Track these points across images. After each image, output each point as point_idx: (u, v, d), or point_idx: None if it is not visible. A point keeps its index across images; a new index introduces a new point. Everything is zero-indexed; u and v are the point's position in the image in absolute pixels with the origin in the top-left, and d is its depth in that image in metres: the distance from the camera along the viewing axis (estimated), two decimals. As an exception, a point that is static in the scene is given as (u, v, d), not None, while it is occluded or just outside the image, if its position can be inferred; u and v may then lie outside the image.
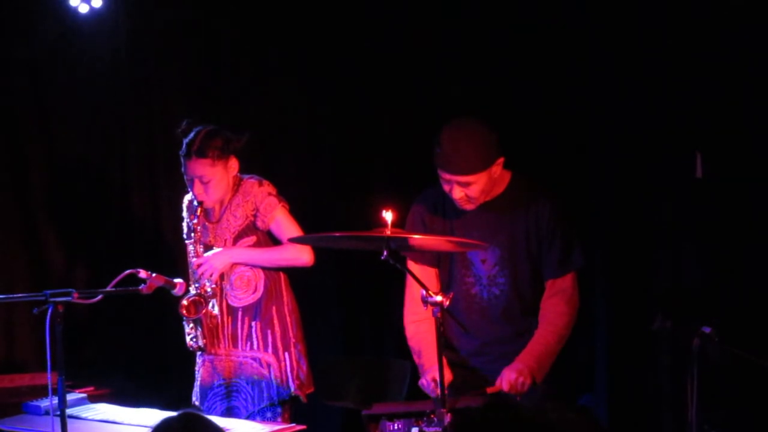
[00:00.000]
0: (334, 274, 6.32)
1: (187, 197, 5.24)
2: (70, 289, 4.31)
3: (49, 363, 4.22)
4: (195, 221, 5.09)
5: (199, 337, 5.11)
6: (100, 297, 4.54)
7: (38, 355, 5.73)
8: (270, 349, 5.12)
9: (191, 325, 5.12)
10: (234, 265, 5.11)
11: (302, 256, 5.11)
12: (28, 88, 6.15)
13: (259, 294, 5.13)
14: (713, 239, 5.31)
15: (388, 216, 4.24)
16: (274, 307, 5.14)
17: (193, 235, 5.13)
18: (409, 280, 4.85)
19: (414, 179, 5.81)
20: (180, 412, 3.36)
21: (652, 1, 5.39)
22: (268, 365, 5.11)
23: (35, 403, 4.85)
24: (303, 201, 6.30)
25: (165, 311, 6.04)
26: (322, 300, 6.13)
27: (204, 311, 5.07)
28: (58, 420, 4.23)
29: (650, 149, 5.49)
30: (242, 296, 5.14)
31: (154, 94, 6.27)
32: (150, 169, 6.26)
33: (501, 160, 4.75)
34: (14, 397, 5.32)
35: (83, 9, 6.00)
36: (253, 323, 5.12)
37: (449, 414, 4.21)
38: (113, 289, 4.64)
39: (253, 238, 5.12)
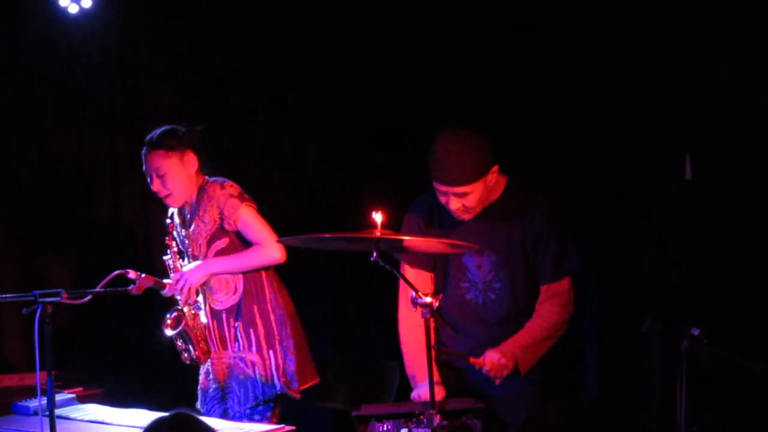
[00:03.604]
0: (324, 275, 6.32)
1: (169, 213, 5.24)
2: (59, 290, 4.30)
3: (38, 363, 4.22)
4: (171, 231, 5.09)
5: (191, 350, 5.11)
6: (89, 297, 4.53)
7: (27, 356, 5.72)
8: (254, 348, 5.10)
9: (179, 340, 5.11)
10: (210, 275, 5.10)
11: (271, 254, 5.06)
12: (18, 88, 6.13)
13: (239, 294, 5.11)
14: (703, 241, 5.32)
15: (377, 217, 4.24)
16: (255, 306, 5.11)
17: (169, 251, 5.12)
18: (403, 282, 4.85)
19: (405, 180, 5.84)
20: (171, 412, 3.36)
21: (644, 6, 5.40)
22: (253, 364, 5.09)
23: (24, 403, 4.84)
24: (294, 201, 6.32)
25: (155, 312, 6.06)
26: (312, 300, 6.11)
27: (184, 323, 5.05)
28: (47, 420, 4.22)
29: (641, 151, 5.50)
30: (223, 299, 5.12)
31: (145, 94, 6.26)
32: (140, 169, 6.24)
33: (495, 167, 4.74)
34: (3, 397, 5.30)
35: (73, 9, 5.99)
36: (236, 324, 5.11)
37: (438, 415, 4.21)
38: (102, 289, 4.63)
39: (225, 240, 5.09)
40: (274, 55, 6.29)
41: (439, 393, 4.68)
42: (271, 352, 5.10)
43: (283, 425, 4.88)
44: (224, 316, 5.12)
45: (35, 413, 4.65)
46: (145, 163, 5.07)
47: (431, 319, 4.23)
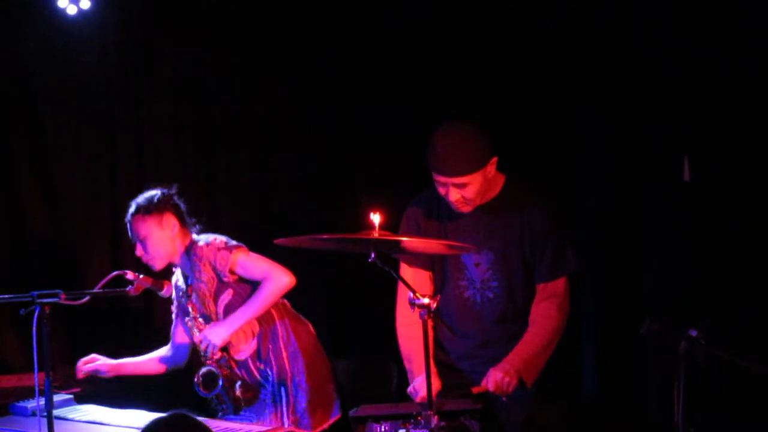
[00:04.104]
0: (321, 276, 6.31)
1: (173, 278, 5.27)
2: (57, 290, 4.31)
3: (36, 364, 4.22)
4: (191, 295, 5.09)
5: (227, 401, 5.08)
6: (87, 298, 4.53)
7: (25, 356, 5.71)
8: (270, 387, 5.10)
9: (215, 400, 5.09)
10: (233, 333, 5.08)
11: (281, 282, 5.05)
12: (16, 88, 6.11)
13: (256, 338, 5.12)
14: (701, 242, 5.32)
15: (375, 218, 4.25)
16: (270, 345, 5.12)
17: (191, 313, 5.15)
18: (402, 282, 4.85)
19: (403, 181, 5.83)
20: (169, 412, 3.36)
21: (643, 6, 5.40)
22: (265, 402, 5.09)
23: (22, 404, 4.86)
24: (292, 202, 6.32)
25: (153, 312, 6.06)
26: (309, 301, 6.11)
27: (222, 383, 5.02)
28: (45, 421, 4.23)
29: (639, 152, 5.50)
30: (244, 347, 5.12)
31: (143, 94, 6.25)
32: (139, 171, 6.24)
33: (494, 159, 4.77)
34: (1, 398, 5.30)
35: (71, 10, 5.98)
36: (260, 365, 5.11)
37: (436, 416, 4.21)
38: (100, 290, 4.64)
39: (229, 293, 5.10)
40: (272, 55, 6.28)
41: (436, 384, 4.69)
42: (282, 389, 5.09)
43: (281, 426, 4.90)
44: (250, 362, 5.15)
45: (33, 414, 4.66)
46: (129, 231, 5.12)
47: (429, 320, 4.24)
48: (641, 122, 5.48)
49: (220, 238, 5.12)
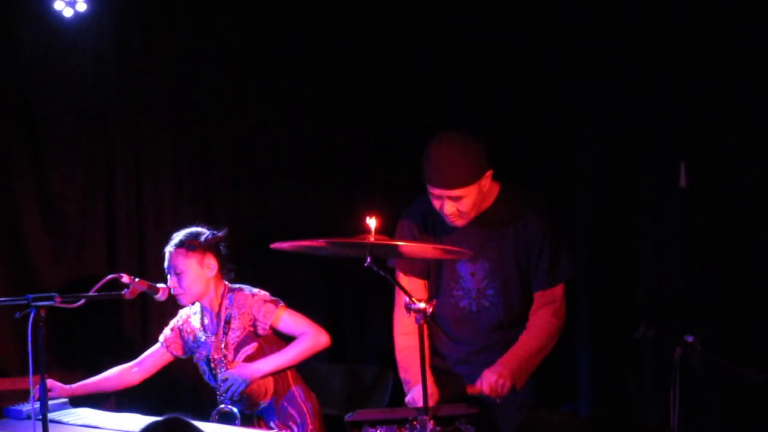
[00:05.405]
0: (317, 280, 6.31)
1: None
2: (52, 293, 4.31)
3: (31, 367, 4.21)
4: (224, 335, 5.09)
5: None
6: (82, 302, 4.53)
7: (20, 359, 5.70)
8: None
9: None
10: (262, 376, 5.06)
11: (320, 340, 5.07)
12: (13, 92, 6.11)
13: (270, 396, 5.10)
14: (697, 248, 5.32)
15: (371, 223, 4.24)
16: (286, 403, 5.11)
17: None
18: (398, 289, 4.84)
19: (399, 185, 5.83)
20: (165, 416, 3.36)
21: (640, 11, 5.40)
22: None
23: (17, 407, 4.85)
24: (288, 206, 6.31)
25: (149, 315, 6.05)
26: (305, 306, 6.12)
27: (237, 423, 4.98)
28: (39, 424, 4.22)
29: (635, 157, 5.51)
30: (255, 404, 5.13)
31: (140, 98, 6.24)
32: (136, 174, 6.23)
33: (490, 172, 4.75)
34: (-4, 401, 5.30)
35: (68, 13, 5.98)
36: (272, 423, 5.09)
37: (431, 421, 4.21)
38: (96, 293, 4.63)
39: (254, 346, 5.08)
40: (270, 58, 6.28)
41: (433, 396, 4.68)
42: None
43: (276, 430, 4.89)
44: (255, 420, 5.13)
45: (28, 417, 4.65)
46: (166, 260, 5.09)
47: (425, 326, 4.23)
48: (637, 127, 5.48)
49: (263, 291, 5.13)
